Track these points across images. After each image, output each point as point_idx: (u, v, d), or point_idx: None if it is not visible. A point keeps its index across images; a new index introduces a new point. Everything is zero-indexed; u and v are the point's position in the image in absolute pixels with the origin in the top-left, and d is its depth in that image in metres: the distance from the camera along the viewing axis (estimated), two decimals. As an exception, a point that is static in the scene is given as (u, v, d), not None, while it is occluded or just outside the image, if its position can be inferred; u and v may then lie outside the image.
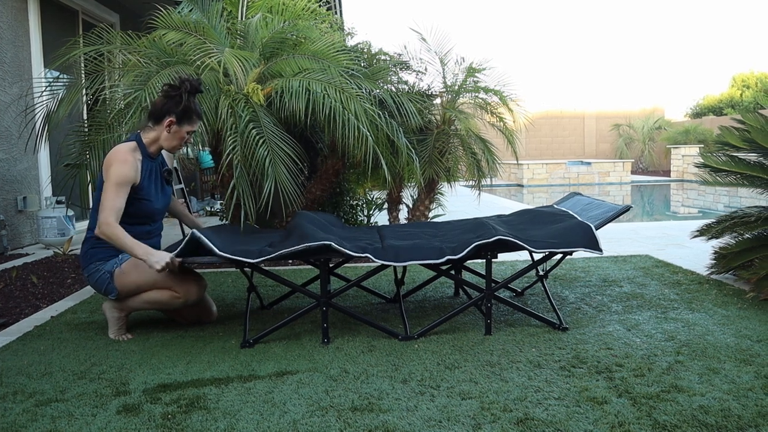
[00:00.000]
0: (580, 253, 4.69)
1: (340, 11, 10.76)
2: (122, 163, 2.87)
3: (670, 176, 16.55)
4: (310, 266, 4.50)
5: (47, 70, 6.33)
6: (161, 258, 2.78)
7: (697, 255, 4.71)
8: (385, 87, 5.15)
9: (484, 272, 2.96)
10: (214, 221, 7.43)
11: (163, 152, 3.13)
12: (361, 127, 4.10)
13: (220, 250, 2.70)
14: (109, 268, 2.95)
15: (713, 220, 3.99)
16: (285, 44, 4.60)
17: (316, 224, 3.17)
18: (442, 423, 1.99)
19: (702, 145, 15.81)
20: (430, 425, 1.98)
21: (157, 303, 2.98)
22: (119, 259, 2.97)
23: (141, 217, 3.00)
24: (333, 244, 2.71)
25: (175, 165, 6.35)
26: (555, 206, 3.68)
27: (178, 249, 2.79)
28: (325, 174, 4.99)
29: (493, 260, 3.02)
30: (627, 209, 3.15)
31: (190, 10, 4.72)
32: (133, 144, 2.98)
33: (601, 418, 2.00)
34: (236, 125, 3.96)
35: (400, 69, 5.48)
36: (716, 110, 22.28)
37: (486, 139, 5.52)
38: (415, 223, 3.63)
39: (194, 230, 2.78)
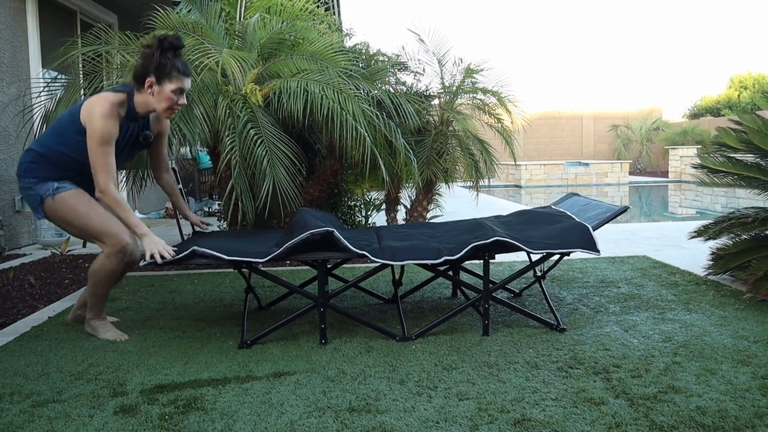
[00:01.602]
0: (578, 254, 4.70)
1: (339, 12, 10.76)
2: (107, 119, 2.73)
3: (667, 177, 16.57)
4: (307, 267, 4.50)
5: (45, 70, 6.32)
6: (154, 246, 2.73)
7: (694, 256, 4.72)
8: (383, 88, 5.15)
9: (481, 273, 2.96)
10: (213, 221, 7.42)
11: (152, 115, 2.98)
12: (359, 127, 4.10)
13: (226, 255, 2.70)
14: (42, 193, 2.83)
15: (711, 221, 4.00)
16: (283, 45, 4.60)
17: (318, 218, 3.18)
18: (439, 424, 2.00)
19: (700, 146, 15.83)
20: (428, 426, 1.98)
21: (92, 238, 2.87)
22: (54, 188, 2.83)
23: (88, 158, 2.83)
24: (335, 231, 2.73)
25: (173, 166, 6.33)
26: (553, 207, 3.68)
27: (179, 256, 2.75)
28: (323, 175, 4.99)
29: (490, 261, 3.02)
30: (625, 210, 3.15)
31: (189, 11, 4.72)
32: (122, 97, 2.83)
33: (598, 419, 2.01)
34: (234, 125, 3.96)
35: (398, 70, 5.48)
36: (714, 111, 22.31)
37: (484, 140, 5.52)
38: (413, 224, 3.64)
39: (195, 247, 2.74)
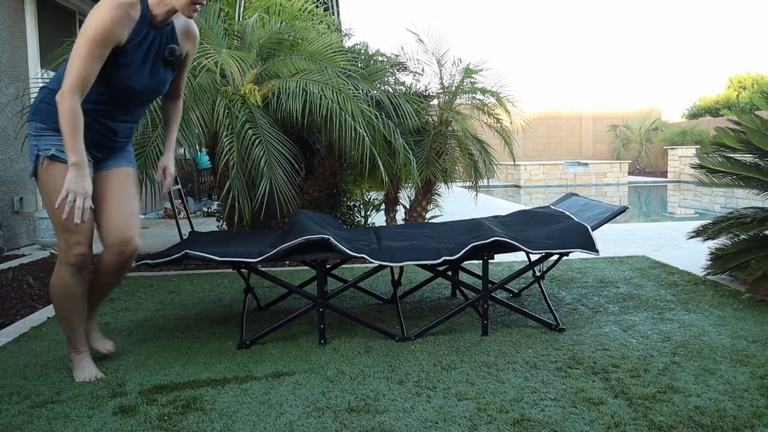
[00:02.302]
0: (577, 254, 4.70)
1: (338, 12, 10.76)
2: (108, 11, 2.16)
3: (666, 177, 16.57)
4: (307, 267, 4.50)
5: (44, 70, 6.32)
6: (78, 189, 2.17)
7: (693, 256, 4.72)
8: (383, 88, 5.15)
9: (481, 273, 2.96)
10: (212, 222, 7.42)
11: (179, 29, 2.42)
12: (358, 127, 4.11)
13: (219, 257, 2.70)
14: (41, 148, 2.31)
15: (710, 221, 4.00)
16: (282, 45, 4.60)
17: (316, 222, 3.17)
18: (438, 424, 2.00)
19: (699, 147, 15.83)
20: (427, 426, 1.98)
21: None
22: (56, 149, 2.30)
23: (111, 90, 2.32)
24: (331, 238, 2.72)
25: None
26: (552, 207, 3.68)
27: (170, 257, 2.74)
28: (322, 175, 4.99)
29: (489, 261, 3.02)
30: (623, 210, 3.15)
31: (187, 11, 4.71)
32: None
33: (597, 419, 2.01)
34: (233, 126, 3.96)
35: (398, 70, 5.49)
36: (713, 111, 22.31)
37: (483, 140, 5.52)
38: (412, 224, 3.64)
39: (187, 250, 2.72)
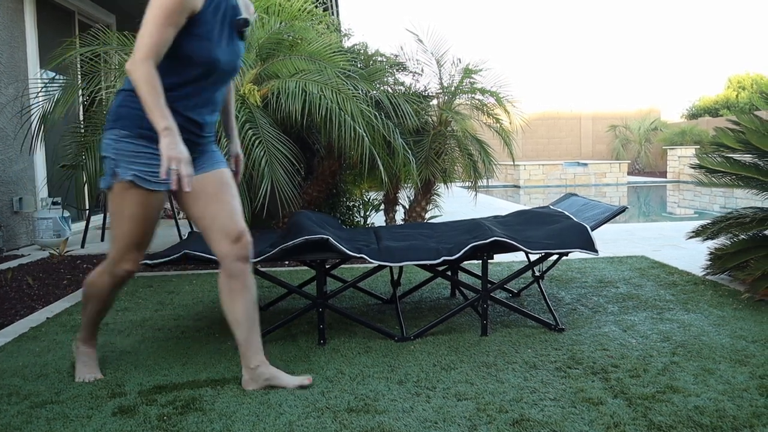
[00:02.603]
0: (576, 254, 4.70)
1: (337, 12, 10.75)
2: None
3: (666, 177, 16.59)
4: (306, 267, 4.50)
5: (43, 70, 6.31)
6: (178, 155, 1.98)
7: (692, 256, 4.73)
8: (382, 88, 5.16)
9: (480, 273, 2.97)
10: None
11: (240, 1, 2.25)
12: (357, 128, 4.11)
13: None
14: (122, 167, 2.11)
15: (709, 221, 4.00)
16: (281, 45, 4.60)
17: (315, 222, 3.17)
18: (437, 424, 2.00)
19: (698, 147, 15.84)
20: (426, 426, 1.98)
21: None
22: (140, 168, 2.12)
23: (193, 65, 2.13)
24: (330, 238, 2.72)
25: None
26: (551, 207, 3.68)
27: (169, 257, 2.75)
28: (322, 175, 4.99)
29: (489, 261, 3.02)
30: (623, 210, 3.15)
31: (187, 11, 4.71)
32: None
33: (596, 419, 2.01)
34: (232, 126, 3.95)
35: (397, 70, 5.49)
36: (712, 111, 22.33)
37: (482, 140, 5.53)
38: (412, 224, 3.64)
39: (186, 250, 2.73)
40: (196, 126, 2.23)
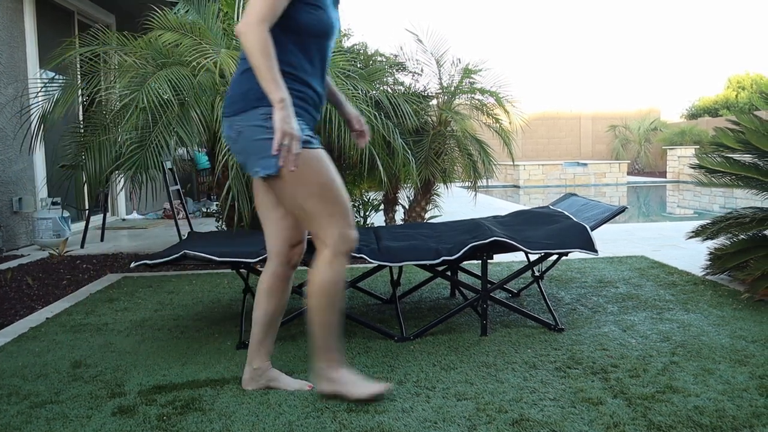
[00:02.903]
0: (576, 254, 4.70)
1: (337, 12, 10.76)
2: None
3: (666, 177, 16.59)
4: (306, 268, 4.49)
5: (43, 70, 6.32)
6: (293, 131, 1.85)
7: (692, 256, 4.73)
8: (382, 88, 5.16)
9: (480, 273, 2.97)
10: (211, 222, 7.42)
11: None
12: (357, 128, 4.10)
13: (218, 257, 2.70)
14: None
15: (708, 221, 4.00)
16: (281, 45, 4.60)
17: None
18: (437, 424, 2.00)
19: (698, 147, 15.84)
20: (426, 426, 1.98)
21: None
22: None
23: (312, 36, 2.02)
24: None
25: (170, 166, 6.33)
26: (551, 207, 3.68)
27: (169, 257, 2.75)
28: (322, 175, 4.98)
29: (489, 261, 3.02)
30: (622, 210, 3.15)
31: (186, 11, 4.72)
32: None
33: (596, 419, 2.01)
34: (232, 126, 3.95)
35: (397, 70, 5.49)
36: (712, 111, 22.34)
37: (482, 140, 5.53)
38: (412, 224, 3.64)
39: (186, 250, 2.73)
40: (321, 100, 2.14)
